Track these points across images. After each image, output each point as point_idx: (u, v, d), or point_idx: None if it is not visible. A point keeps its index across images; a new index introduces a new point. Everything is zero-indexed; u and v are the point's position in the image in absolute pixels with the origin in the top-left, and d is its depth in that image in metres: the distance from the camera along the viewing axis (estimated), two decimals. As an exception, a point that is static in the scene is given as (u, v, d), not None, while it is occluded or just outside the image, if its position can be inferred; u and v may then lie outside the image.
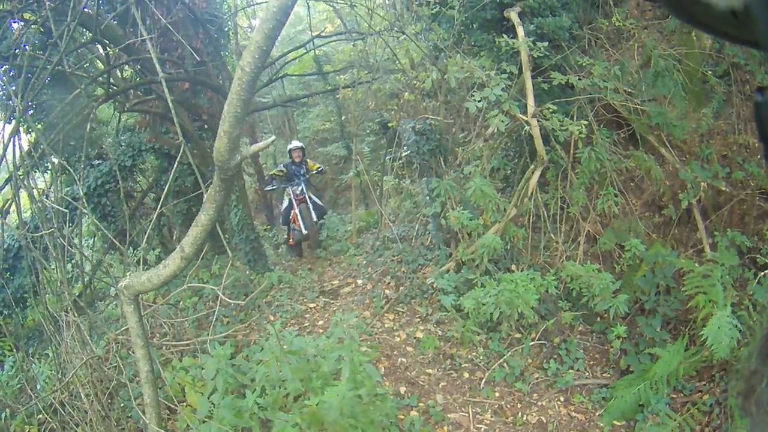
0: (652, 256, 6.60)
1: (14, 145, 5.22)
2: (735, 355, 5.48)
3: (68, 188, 8.50)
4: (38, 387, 6.03)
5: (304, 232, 9.70)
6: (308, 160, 10.56)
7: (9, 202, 6.28)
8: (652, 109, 7.15)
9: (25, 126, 7.00)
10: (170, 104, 3.51)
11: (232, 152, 2.65)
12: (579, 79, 6.62)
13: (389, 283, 7.82)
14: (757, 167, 6.96)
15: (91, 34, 7.10)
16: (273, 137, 2.97)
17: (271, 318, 7.34)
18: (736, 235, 6.62)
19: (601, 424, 5.75)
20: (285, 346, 4.34)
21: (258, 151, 2.80)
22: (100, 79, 7.32)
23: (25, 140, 7.26)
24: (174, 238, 11.29)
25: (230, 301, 4.50)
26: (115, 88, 7.50)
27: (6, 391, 6.33)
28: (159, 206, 4.87)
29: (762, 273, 6.23)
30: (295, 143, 10.51)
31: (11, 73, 6.69)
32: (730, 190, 7.02)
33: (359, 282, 8.17)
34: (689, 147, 7.44)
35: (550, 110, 6.37)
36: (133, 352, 3.55)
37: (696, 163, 7.14)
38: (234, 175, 2.81)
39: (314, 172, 10.35)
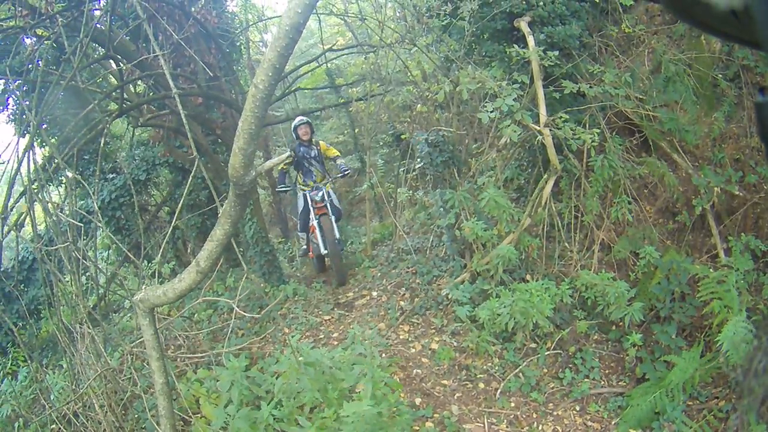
0: (667, 262, 6.54)
1: (29, 160, 5.29)
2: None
3: (82, 201, 8.59)
4: (52, 397, 6.07)
5: (324, 251, 8.67)
6: (321, 141, 9.24)
7: (24, 215, 6.36)
8: (664, 114, 7.13)
9: (39, 140, 7.10)
10: (183, 119, 3.54)
11: (247, 168, 2.68)
12: (590, 87, 6.62)
13: (404, 294, 7.81)
14: (770, 170, 6.93)
15: (103, 50, 7.20)
16: (288, 153, 3.00)
17: (287, 330, 7.34)
18: (751, 239, 6.57)
19: (617, 432, 5.71)
20: (301, 358, 4.34)
21: (272, 166, 2.84)
22: (114, 94, 7.43)
23: (39, 154, 7.35)
24: (189, 251, 11.38)
25: (245, 314, 4.54)
26: (128, 103, 7.58)
27: (20, 401, 6.37)
28: (173, 220, 4.90)
29: None
30: (300, 118, 8.93)
31: (24, 88, 6.79)
32: (744, 194, 6.97)
33: (374, 294, 8.16)
34: (702, 152, 7.41)
35: (562, 119, 6.37)
36: (149, 364, 3.58)
37: (709, 167, 7.11)
38: (249, 190, 2.83)
39: (334, 162, 9.05)
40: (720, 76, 7.34)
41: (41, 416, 5.60)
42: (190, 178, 3.86)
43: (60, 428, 5.35)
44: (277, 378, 4.54)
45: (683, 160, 7.27)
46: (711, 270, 6.34)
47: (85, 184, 6.01)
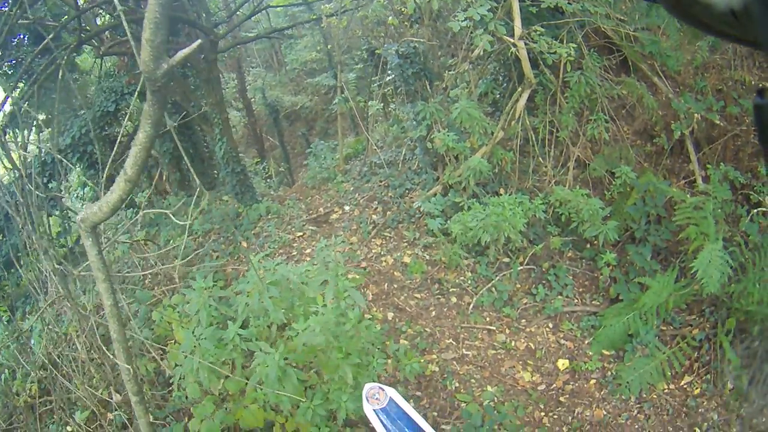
0: (643, 184, 6.48)
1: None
2: (726, 291, 5.44)
3: (51, 142, 8.33)
4: (32, 342, 6.03)
5: None
6: None
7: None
8: (645, 37, 6.94)
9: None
10: (132, 42, 3.28)
11: (157, 61, 2.50)
12: (569, 3, 6.37)
13: (376, 208, 7.78)
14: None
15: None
16: (199, 40, 2.79)
17: (257, 250, 7.33)
18: (730, 169, 6.47)
19: (590, 353, 5.76)
20: (268, 279, 4.26)
21: (185, 56, 2.63)
22: (71, 25, 7.07)
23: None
24: (163, 179, 11.19)
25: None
26: (87, 33, 7.23)
27: (3, 352, 6.32)
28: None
29: (755, 210, 6.12)
30: None
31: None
32: (725, 125, 6.86)
33: (346, 208, 8.13)
34: (683, 78, 7.27)
35: (538, 32, 6.16)
36: (96, 287, 3.49)
37: (690, 94, 6.96)
38: (165, 86, 2.65)
39: None
40: (708, 4, 7.07)
41: (25, 363, 5.57)
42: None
43: (45, 375, 5.34)
44: (248, 296, 4.47)
45: (663, 84, 7.12)
46: (688, 195, 6.28)
47: (41, 124, 5.73)
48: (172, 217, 3.16)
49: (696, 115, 6.75)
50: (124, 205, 8.62)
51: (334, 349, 3.98)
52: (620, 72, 7.39)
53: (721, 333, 5.45)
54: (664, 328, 5.91)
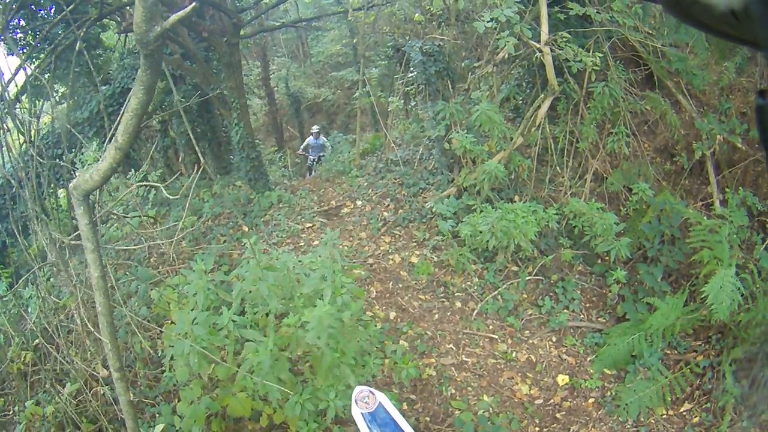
0: (660, 202, 6.34)
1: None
2: (734, 319, 5.29)
3: (71, 114, 8.34)
4: (29, 310, 6.01)
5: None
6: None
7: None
8: (673, 53, 6.80)
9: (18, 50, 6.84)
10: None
11: (150, 23, 2.42)
12: (597, 12, 6.25)
13: (388, 205, 7.71)
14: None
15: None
16: (194, 3, 2.70)
17: (256, 234, 7.30)
18: (748, 195, 6.31)
19: (591, 371, 5.63)
20: (260, 260, 4.18)
21: (176, 20, 2.54)
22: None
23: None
24: (179, 160, 11.20)
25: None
26: (108, 6, 7.21)
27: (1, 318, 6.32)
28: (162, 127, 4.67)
29: None
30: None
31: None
32: (747, 149, 6.70)
33: (358, 203, 8.09)
34: (708, 98, 7.13)
35: (565, 39, 6.04)
36: (84, 258, 3.42)
37: (713, 115, 6.81)
38: (158, 50, 2.57)
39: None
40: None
41: (22, 330, 5.55)
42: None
43: (41, 343, 5.32)
44: (243, 282, 4.40)
45: (688, 102, 6.98)
46: (704, 218, 6.13)
47: (61, 95, 5.70)
48: (163, 190, 3.07)
49: (718, 136, 6.60)
50: (136, 181, 8.63)
51: (330, 347, 3.89)
52: (645, 87, 7.25)
53: (726, 362, 5.29)
54: (669, 351, 5.76)
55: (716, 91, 7.11)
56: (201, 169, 4.77)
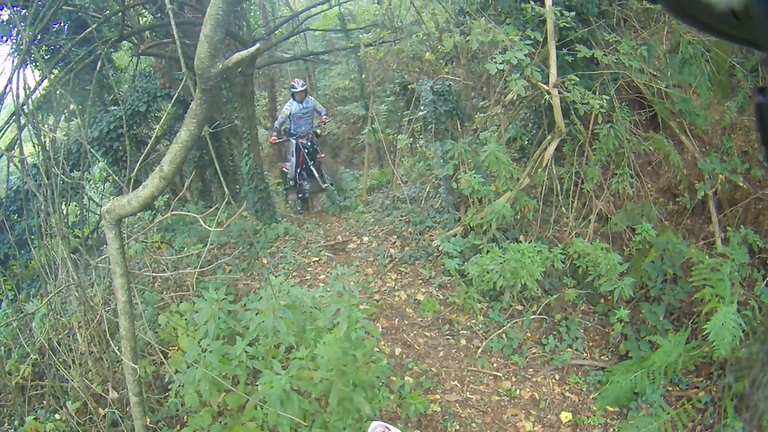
0: (663, 242, 6.43)
1: (18, 79, 5.12)
2: (736, 354, 5.36)
3: (79, 132, 8.43)
4: (34, 325, 6.03)
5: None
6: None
7: (15, 139, 6.23)
8: (676, 94, 6.94)
9: (35, 65, 6.93)
10: (177, 43, 3.35)
11: (213, 59, 2.51)
12: (604, 54, 6.43)
13: (395, 242, 7.76)
14: (778, 167, 6.76)
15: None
16: (258, 44, 2.81)
17: (265, 263, 7.34)
18: (749, 233, 6.39)
19: (594, 408, 5.66)
20: (282, 300, 4.25)
21: (240, 59, 2.64)
22: (114, 19, 7.21)
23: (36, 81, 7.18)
24: (185, 186, 11.26)
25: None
26: (129, 29, 7.38)
27: (2, 331, 6.33)
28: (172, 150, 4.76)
29: None
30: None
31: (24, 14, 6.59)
32: (748, 187, 6.79)
33: (365, 239, 8.12)
34: (710, 138, 7.22)
35: (573, 82, 6.20)
36: (112, 281, 3.48)
37: (716, 155, 6.90)
38: (216, 86, 2.66)
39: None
40: (738, 65, 7.10)
41: (25, 344, 5.56)
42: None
43: (41, 359, 5.34)
44: (257, 315, 4.46)
45: (691, 143, 7.09)
46: (706, 256, 6.22)
47: (77, 114, 5.81)
48: (201, 221, 3.14)
49: (720, 176, 6.70)
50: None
51: (342, 380, 3.93)
52: (649, 128, 7.37)
53: (727, 397, 5.34)
54: (671, 388, 5.82)
55: (718, 130, 7.20)
56: (225, 200, 4.84)
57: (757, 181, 6.82)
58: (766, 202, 6.71)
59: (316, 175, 9.57)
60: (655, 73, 7.11)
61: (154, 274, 6.56)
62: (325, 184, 9.60)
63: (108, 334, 5.33)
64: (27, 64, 6.30)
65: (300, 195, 10.23)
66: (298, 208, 10.59)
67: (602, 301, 6.66)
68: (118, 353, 3.93)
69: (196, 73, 2.58)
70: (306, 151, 9.59)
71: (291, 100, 9.64)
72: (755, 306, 5.66)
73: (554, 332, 6.38)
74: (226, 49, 8.51)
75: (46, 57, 7.65)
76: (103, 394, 5.05)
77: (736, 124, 7.13)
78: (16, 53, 6.05)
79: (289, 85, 9.90)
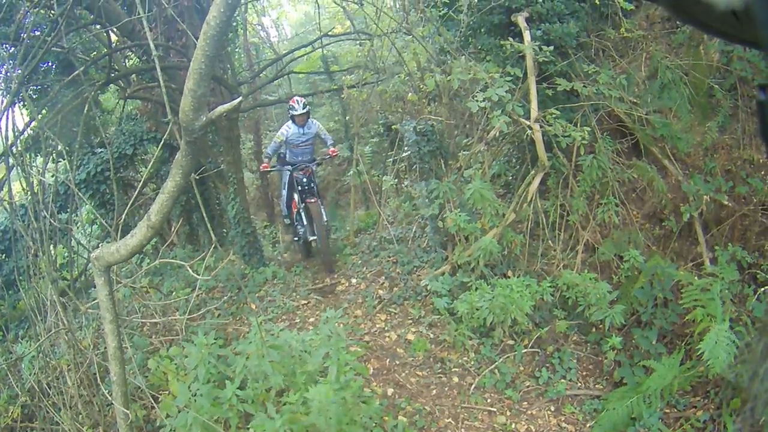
0: (651, 267, 6.48)
1: (7, 120, 5.17)
2: (732, 371, 5.38)
3: (66, 174, 8.43)
4: (23, 366, 5.97)
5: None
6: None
7: (3, 179, 6.24)
8: (657, 120, 7.08)
9: (23, 105, 6.97)
10: (162, 88, 3.42)
11: (197, 112, 2.56)
12: (584, 86, 6.57)
13: (383, 283, 7.73)
14: (761, 182, 6.89)
15: (92, 16, 7.09)
16: (240, 98, 2.88)
17: (253, 308, 7.30)
18: (737, 249, 6.51)
19: (591, 437, 5.65)
20: (267, 340, 4.24)
21: (223, 112, 2.69)
22: (102, 62, 7.30)
23: (24, 122, 7.22)
24: (172, 229, 11.24)
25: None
26: (116, 72, 7.47)
27: None
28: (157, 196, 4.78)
29: (762, 289, 6.12)
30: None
31: (13, 52, 6.66)
32: (733, 205, 6.91)
33: (353, 281, 8.09)
34: (693, 160, 7.36)
35: (554, 116, 6.30)
36: (102, 327, 3.47)
37: (699, 176, 7.04)
38: (200, 138, 2.71)
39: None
40: (716, 86, 7.29)
41: (15, 385, 5.49)
42: (177, 155, 3.72)
43: (30, 401, 5.27)
44: (247, 359, 4.44)
45: (674, 166, 7.22)
46: (695, 278, 6.29)
47: (65, 156, 5.84)
48: (189, 269, 3.15)
49: (705, 196, 6.82)
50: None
51: (335, 423, 3.91)
52: (631, 155, 7.50)
53: (726, 413, 5.34)
54: (668, 410, 5.80)
55: (700, 151, 7.34)
56: (213, 246, 4.86)
57: (741, 198, 6.97)
58: (751, 218, 6.84)
59: (305, 222, 8.50)
60: (635, 100, 7.28)
61: (143, 320, 6.51)
62: (312, 237, 8.47)
63: (98, 378, 5.27)
64: (15, 104, 6.35)
65: (295, 239, 9.34)
66: (298, 254, 9.88)
67: (594, 330, 6.67)
68: (109, 397, 3.90)
69: (181, 126, 2.62)
70: (300, 188, 8.34)
71: (289, 122, 8.35)
72: (748, 321, 5.73)
73: (547, 364, 6.35)
74: (211, 93, 8.60)
75: (34, 97, 7.71)
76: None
77: (718, 143, 7.29)
78: (5, 93, 6.11)
79: (288, 106, 8.56)
